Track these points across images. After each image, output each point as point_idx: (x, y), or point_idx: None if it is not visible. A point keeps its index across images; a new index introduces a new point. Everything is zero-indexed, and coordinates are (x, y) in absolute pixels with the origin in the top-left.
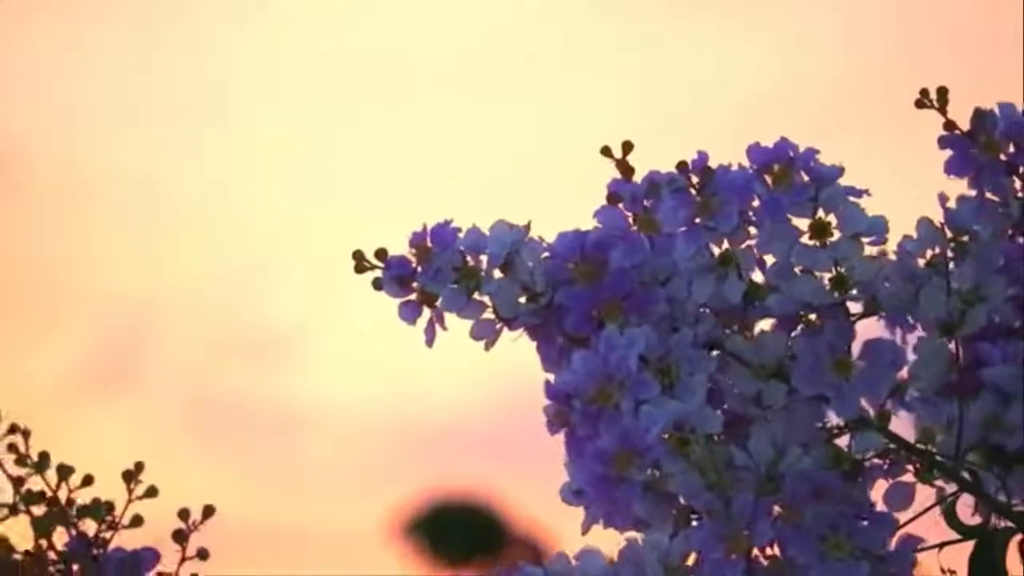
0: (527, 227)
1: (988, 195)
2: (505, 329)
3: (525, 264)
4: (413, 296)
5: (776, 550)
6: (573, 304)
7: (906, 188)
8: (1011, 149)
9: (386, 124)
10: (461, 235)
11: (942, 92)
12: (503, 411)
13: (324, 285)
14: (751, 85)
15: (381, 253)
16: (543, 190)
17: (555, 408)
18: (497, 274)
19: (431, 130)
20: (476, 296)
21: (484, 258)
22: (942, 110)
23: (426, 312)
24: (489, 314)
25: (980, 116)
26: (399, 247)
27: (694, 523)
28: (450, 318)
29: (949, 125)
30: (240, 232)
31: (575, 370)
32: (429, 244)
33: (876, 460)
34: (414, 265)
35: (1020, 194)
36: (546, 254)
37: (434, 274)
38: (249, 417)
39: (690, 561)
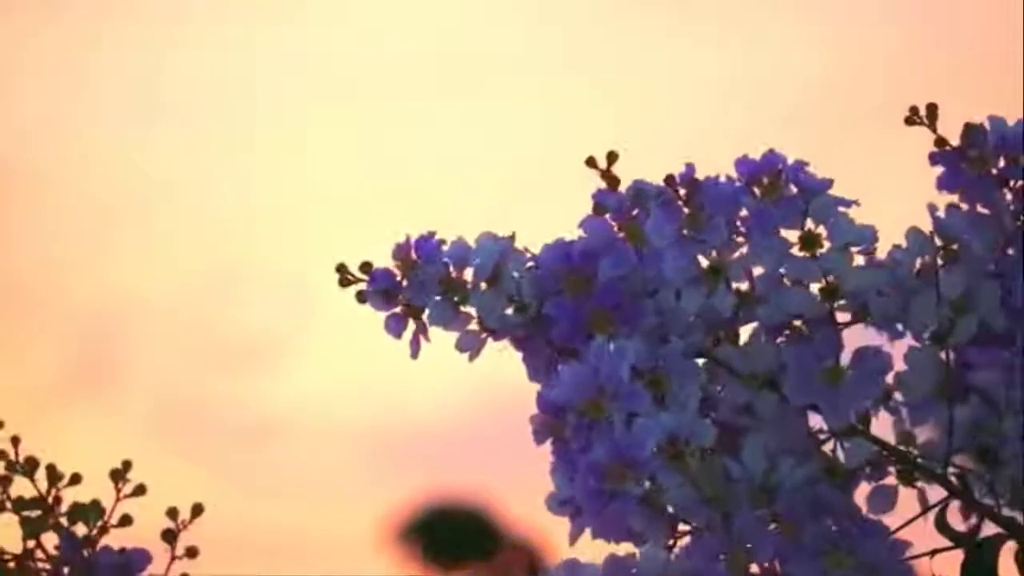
0: (512, 238)
1: (979, 208)
2: (490, 340)
3: (511, 275)
4: (398, 309)
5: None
6: (562, 315)
7: (892, 197)
8: (1001, 163)
9: (370, 130)
10: (445, 247)
11: (931, 109)
12: (497, 414)
13: (316, 288)
14: (750, 85)
15: (366, 266)
16: (537, 192)
17: (542, 419)
18: (483, 286)
19: (415, 136)
20: (462, 308)
21: (469, 270)
22: (932, 127)
23: (412, 325)
24: (474, 325)
25: (970, 131)
26: (383, 253)
27: (686, 537)
28: (434, 329)
29: (940, 141)
30: (225, 237)
31: (565, 382)
32: (413, 256)
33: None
34: (398, 278)
35: (1012, 207)
36: (531, 264)
37: (419, 287)
38: (240, 422)
39: None
